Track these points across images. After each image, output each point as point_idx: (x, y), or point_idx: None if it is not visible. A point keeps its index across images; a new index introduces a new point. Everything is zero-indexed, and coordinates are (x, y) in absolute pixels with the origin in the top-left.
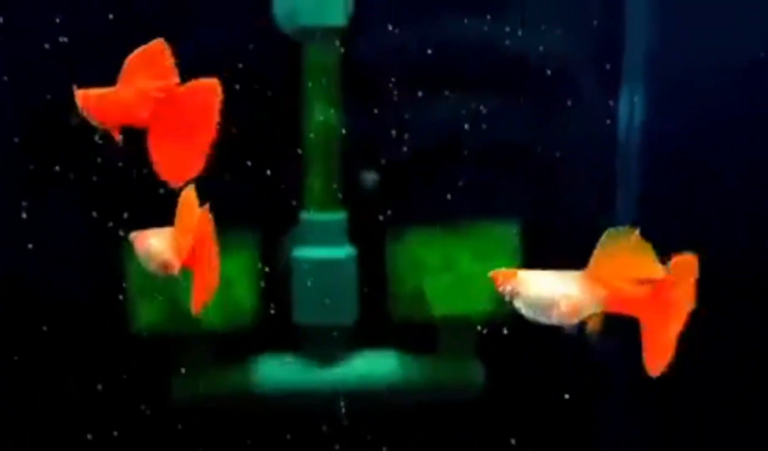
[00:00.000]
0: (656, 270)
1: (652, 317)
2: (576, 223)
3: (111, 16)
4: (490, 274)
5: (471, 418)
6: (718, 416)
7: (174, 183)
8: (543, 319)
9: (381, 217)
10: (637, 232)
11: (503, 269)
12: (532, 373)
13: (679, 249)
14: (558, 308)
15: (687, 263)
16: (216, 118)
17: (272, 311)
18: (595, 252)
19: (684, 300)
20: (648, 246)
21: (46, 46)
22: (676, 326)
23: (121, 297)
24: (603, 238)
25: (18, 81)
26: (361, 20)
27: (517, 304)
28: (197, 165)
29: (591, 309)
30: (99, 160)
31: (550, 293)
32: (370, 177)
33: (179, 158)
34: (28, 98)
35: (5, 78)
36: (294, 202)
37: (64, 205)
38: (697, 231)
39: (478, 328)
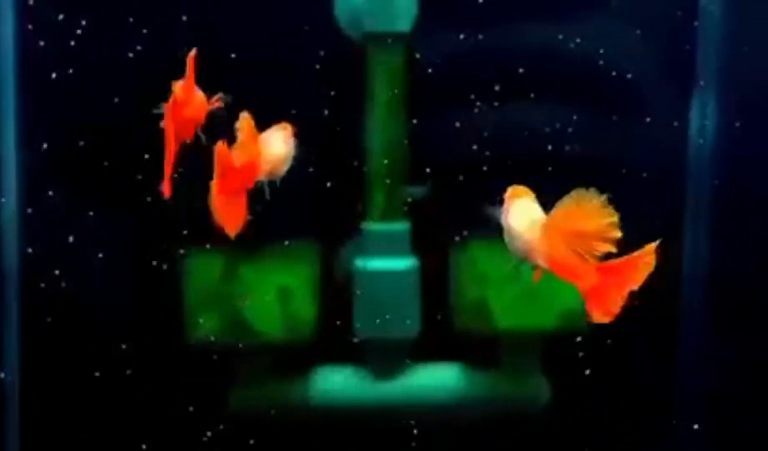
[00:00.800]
0: (614, 233)
1: (594, 297)
2: (645, 237)
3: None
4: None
5: (535, 434)
6: None
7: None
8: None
9: (445, 228)
10: (603, 197)
11: (519, 187)
12: (598, 389)
13: (750, 267)
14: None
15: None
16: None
17: (333, 323)
18: (559, 208)
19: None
20: (611, 213)
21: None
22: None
23: (180, 308)
24: (569, 195)
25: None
26: (428, 27)
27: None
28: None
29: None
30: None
31: (513, 225)
32: (418, 190)
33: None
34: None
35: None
36: (355, 213)
37: (123, 216)
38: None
39: (544, 342)
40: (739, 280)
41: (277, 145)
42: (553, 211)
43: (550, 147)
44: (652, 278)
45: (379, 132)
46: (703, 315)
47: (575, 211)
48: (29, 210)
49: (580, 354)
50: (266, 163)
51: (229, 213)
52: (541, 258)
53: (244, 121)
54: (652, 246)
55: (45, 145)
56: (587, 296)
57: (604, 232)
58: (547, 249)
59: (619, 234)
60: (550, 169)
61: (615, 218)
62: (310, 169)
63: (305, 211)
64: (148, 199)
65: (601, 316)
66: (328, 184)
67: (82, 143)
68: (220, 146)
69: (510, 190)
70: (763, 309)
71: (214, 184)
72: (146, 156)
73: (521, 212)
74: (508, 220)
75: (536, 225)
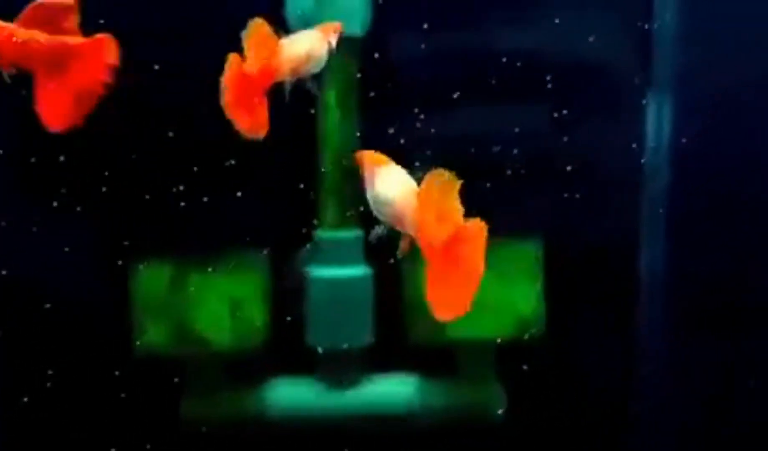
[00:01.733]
0: (456, 216)
1: (439, 268)
2: (599, 242)
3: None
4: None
5: (491, 442)
6: None
7: (53, 128)
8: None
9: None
10: (457, 182)
11: (377, 154)
12: (554, 396)
13: (707, 269)
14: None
15: (477, 227)
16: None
17: (285, 333)
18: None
19: (473, 261)
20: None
21: None
22: (461, 283)
23: (128, 317)
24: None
25: None
26: (380, 31)
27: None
28: (78, 114)
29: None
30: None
31: (385, 192)
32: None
33: (62, 105)
34: None
35: None
36: (307, 220)
37: (71, 225)
38: (725, 248)
39: (498, 350)
40: (696, 284)
41: (301, 44)
42: (426, 183)
43: (503, 153)
44: (608, 284)
45: (331, 138)
46: (659, 320)
47: (441, 187)
48: None
49: (535, 361)
50: (288, 63)
51: (248, 117)
52: (412, 227)
53: (256, 26)
54: (479, 224)
55: None
56: (431, 284)
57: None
58: (420, 219)
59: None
60: (503, 173)
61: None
62: (261, 175)
63: (256, 220)
64: (96, 207)
65: (443, 309)
66: (280, 192)
67: (30, 150)
68: (234, 57)
69: (368, 157)
70: (718, 312)
71: (227, 93)
72: (95, 164)
73: (392, 179)
74: (377, 186)
75: (411, 194)
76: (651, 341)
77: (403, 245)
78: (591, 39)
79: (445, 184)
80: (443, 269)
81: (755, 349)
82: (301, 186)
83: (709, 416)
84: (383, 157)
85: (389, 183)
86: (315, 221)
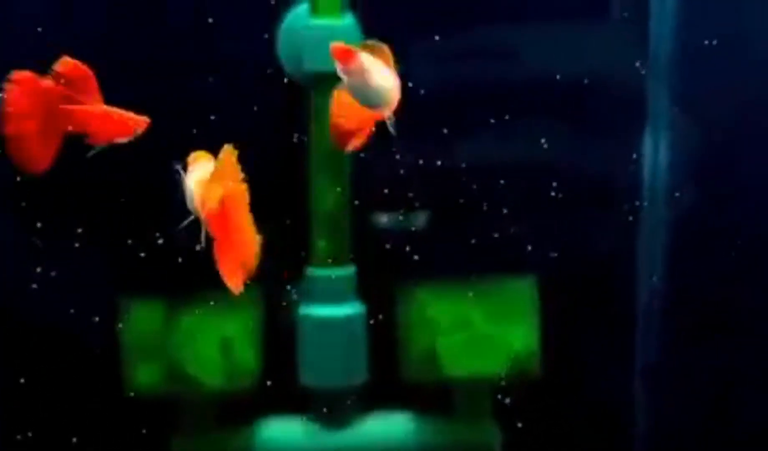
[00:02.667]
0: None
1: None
2: (596, 277)
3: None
4: None
5: None
6: None
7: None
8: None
9: (391, 273)
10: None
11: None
12: (551, 435)
13: (705, 300)
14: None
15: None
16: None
17: (278, 372)
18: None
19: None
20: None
21: None
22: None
23: (119, 357)
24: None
25: None
26: None
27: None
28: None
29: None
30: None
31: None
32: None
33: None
34: None
35: None
36: (299, 257)
37: (62, 262)
38: (724, 281)
39: (494, 388)
40: (696, 312)
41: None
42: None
43: (497, 189)
44: (606, 317)
45: (322, 175)
46: (658, 361)
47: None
48: None
49: (531, 399)
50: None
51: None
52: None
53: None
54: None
55: None
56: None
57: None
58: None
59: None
60: (498, 210)
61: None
62: (253, 214)
63: None
64: (88, 245)
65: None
66: (270, 229)
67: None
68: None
69: (192, 156)
70: (720, 339)
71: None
72: (86, 200)
73: (197, 173)
74: (186, 181)
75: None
76: (652, 375)
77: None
78: (585, 74)
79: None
80: (224, 237)
81: (754, 367)
82: (293, 223)
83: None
84: (202, 154)
85: (195, 176)
86: (306, 258)
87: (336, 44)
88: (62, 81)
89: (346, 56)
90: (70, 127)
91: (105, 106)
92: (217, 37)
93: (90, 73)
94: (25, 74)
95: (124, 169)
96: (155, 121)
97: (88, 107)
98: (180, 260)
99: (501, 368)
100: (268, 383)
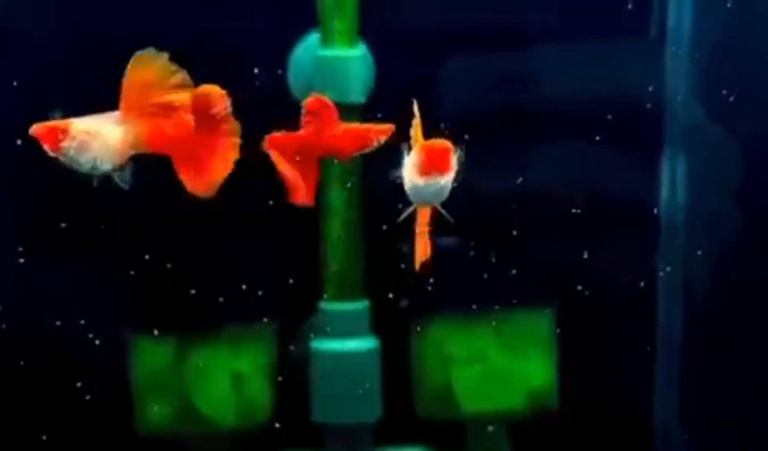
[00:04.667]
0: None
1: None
2: (612, 308)
3: None
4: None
5: None
6: None
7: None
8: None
9: (405, 306)
10: (165, 56)
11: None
12: None
13: (727, 326)
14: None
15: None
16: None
17: (291, 408)
18: (124, 83)
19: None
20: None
21: None
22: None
23: (131, 395)
24: (130, 65)
25: None
26: (381, 95)
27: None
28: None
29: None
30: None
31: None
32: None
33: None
34: None
35: None
36: (312, 291)
37: (73, 300)
38: (746, 304)
39: (511, 424)
40: (717, 344)
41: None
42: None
43: (512, 221)
44: (623, 352)
45: (335, 208)
46: (679, 395)
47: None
48: None
49: (548, 435)
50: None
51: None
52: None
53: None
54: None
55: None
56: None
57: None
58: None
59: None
60: (513, 242)
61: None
62: (264, 246)
63: (260, 292)
64: (100, 281)
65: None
66: (284, 264)
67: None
68: None
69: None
70: (741, 371)
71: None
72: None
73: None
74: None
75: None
76: (670, 411)
77: None
78: (601, 103)
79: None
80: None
81: None
82: (305, 257)
83: None
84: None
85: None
86: (321, 293)
87: (434, 152)
88: (309, 119)
89: (441, 163)
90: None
91: (346, 125)
92: (228, 66)
93: (330, 102)
94: (278, 137)
95: (136, 204)
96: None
97: (336, 133)
98: (191, 296)
99: (517, 402)
100: (281, 419)
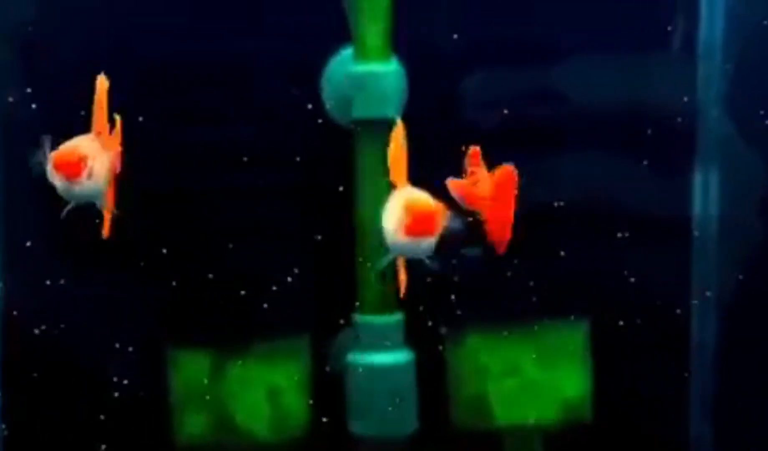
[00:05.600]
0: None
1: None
2: (648, 321)
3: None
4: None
5: None
6: None
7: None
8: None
9: (440, 319)
10: None
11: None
12: None
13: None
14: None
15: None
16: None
17: (326, 421)
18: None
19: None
20: None
21: None
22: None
23: (169, 408)
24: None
25: None
26: (416, 107)
27: None
28: None
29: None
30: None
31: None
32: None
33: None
34: None
35: None
36: (347, 306)
37: (110, 314)
38: None
39: (546, 436)
40: (750, 356)
41: None
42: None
43: (545, 232)
44: (659, 366)
45: (369, 221)
46: (714, 406)
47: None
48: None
49: (585, 446)
50: None
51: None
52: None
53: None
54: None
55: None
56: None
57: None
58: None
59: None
60: (547, 254)
61: None
62: (300, 260)
63: (295, 306)
64: (137, 295)
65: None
66: (319, 277)
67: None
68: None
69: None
70: None
71: None
72: (135, 252)
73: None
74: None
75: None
76: (706, 421)
77: None
78: (633, 112)
79: None
80: None
81: None
82: (341, 271)
83: None
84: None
85: None
86: (356, 306)
87: (420, 216)
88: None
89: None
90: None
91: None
92: (261, 82)
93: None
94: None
95: (173, 218)
96: (200, 169)
97: None
98: (228, 310)
99: (552, 414)
100: (316, 432)
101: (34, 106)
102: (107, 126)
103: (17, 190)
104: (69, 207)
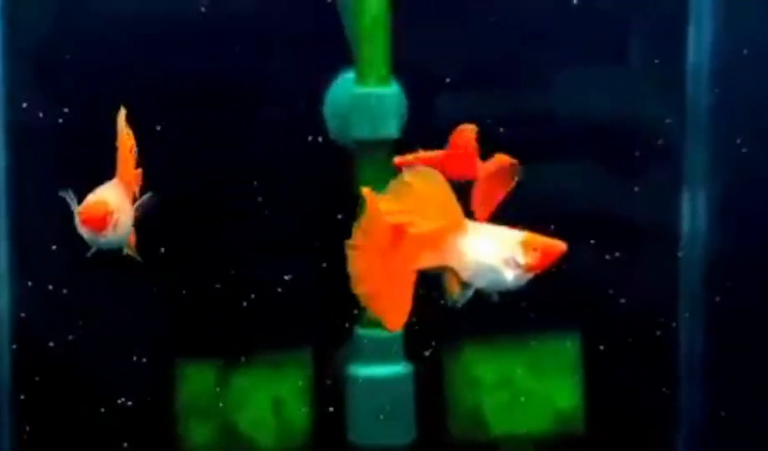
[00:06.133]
0: None
1: None
2: (639, 333)
3: None
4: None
5: None
6: None
7: None
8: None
9: (437, 333)
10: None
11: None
12: None
13: (749, 353)
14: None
15: None
16: None
17: (328, 431)
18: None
19: None
20: None
21: None
22: None
23: (173, 418)
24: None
25: None
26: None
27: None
28: None
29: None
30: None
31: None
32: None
33: None
34: None
35: None
36: (348, 318)
37: (115, 324)
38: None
39: (540, 446)
40: (738, 365)
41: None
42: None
43: None
44: (648, 374)
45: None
46: (702, 417)
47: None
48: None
49: None
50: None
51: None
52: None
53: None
54: None
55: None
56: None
57: None
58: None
59: None
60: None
61: None
62: (300, 274)
63: (297, 319)
64: (141, 307)
65: None
66: (320, 291)
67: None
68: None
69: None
70: (762, 392)
71: None
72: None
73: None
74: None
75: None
76: (696, 430)
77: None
78: (623, 129)
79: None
80: None
81: None
82: (341, 286)
83: None
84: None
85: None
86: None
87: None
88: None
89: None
90: None
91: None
92: (264, 103)
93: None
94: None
95: (178, 232)
96: (207, 184)
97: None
98: (233, 323)
99: (545, 425)
100: (318, 442)
101: (45, 114)
102: (133, 172)
103: (28, 198)
104: (92, 251)
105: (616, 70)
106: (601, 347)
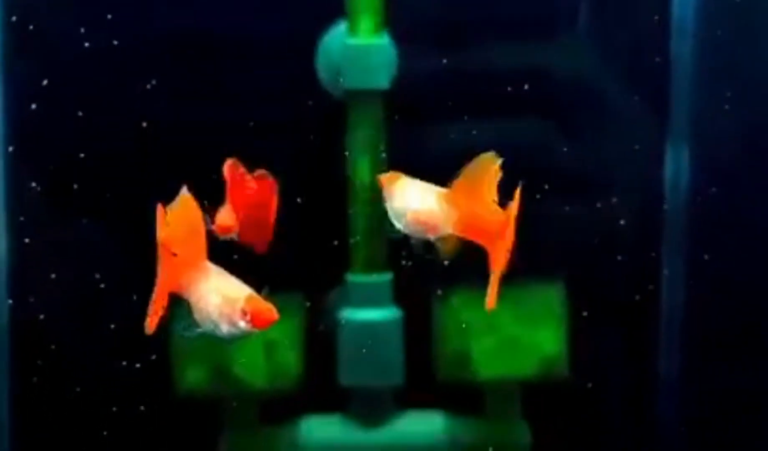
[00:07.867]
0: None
1: (496, 250)
2: (622, 282)
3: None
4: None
5: None
6: None
7: None
8: (400, 226)
9: (426, 279)
10: (498, 162)
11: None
12: (579, 434)
13: (730, 309)
14: (405, 218)
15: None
16: None
17: (318, 373)
18: (460, 175)
19: (509, 239)
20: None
21: None
22: (504, 261)
23: (165, 359)
24: (470, 164)
25: None
26: (407, 76)
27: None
28: None
29: (442, 229)
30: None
31: (405, 203)
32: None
33: None
34: None
35: None
36: (339, 264)
37: (109, 267)
38: (744, 284)
39: (525, 389)
40: (718, 321)
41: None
42: (458, 179)
43: (526, 197)
44: (630, 323)
45: (361, 184)
46: (681, 363)
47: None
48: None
49: (560, 400)
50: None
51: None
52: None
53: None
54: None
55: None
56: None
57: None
58: (454, 215)
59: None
60: (527, 217)
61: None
62: (293, 221)
63: (289, 264)
64: (135, 249)
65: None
66: (312, 236)
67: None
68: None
69: (384, 178)
70: (740, 347)
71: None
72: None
73: (411, 192)
74: (397, 203)
75: (433, 197)
76: (673, 378)
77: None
78: (608, 84)
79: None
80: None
81: None
82: (333, 232)
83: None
84: (395, 175)
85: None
86: (347, 265)
87: None
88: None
89: None
90: None
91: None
92: (257, 57)
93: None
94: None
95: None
96: (200, 147)
97: None
98: (227, 268)
99: (530, 369)
100: (308, 384)
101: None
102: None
103: (28, 198)
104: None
105: (602, 27)
106: (584, 296)
